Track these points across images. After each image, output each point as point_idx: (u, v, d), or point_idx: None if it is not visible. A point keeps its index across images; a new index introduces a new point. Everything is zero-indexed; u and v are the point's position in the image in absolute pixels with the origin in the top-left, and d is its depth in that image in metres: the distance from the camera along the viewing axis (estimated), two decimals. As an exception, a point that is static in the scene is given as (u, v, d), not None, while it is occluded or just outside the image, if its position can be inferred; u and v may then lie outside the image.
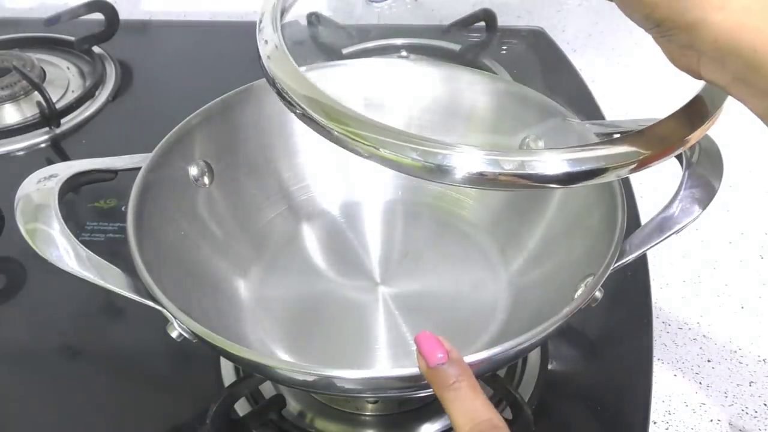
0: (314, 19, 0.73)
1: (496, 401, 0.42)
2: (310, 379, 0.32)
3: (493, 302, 0.46)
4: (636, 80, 0.74)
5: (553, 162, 0.25)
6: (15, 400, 0.45)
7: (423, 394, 0.35)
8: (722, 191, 0.40)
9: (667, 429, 0.43)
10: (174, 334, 0.35)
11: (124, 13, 0.77)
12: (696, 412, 0.44)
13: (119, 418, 0.43)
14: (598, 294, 0.37)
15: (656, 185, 0.55)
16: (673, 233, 0.39)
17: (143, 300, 0.35)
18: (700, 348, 0.48)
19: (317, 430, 0.42)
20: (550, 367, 0.45)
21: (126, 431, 0.43)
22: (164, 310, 0.34)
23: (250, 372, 0.41)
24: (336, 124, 0.26)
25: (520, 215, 0.48)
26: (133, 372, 0.46)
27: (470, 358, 0.30)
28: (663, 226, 0.39)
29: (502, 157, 0.25)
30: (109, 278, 0.36)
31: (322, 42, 0.73)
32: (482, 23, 0.77)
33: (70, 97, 0.71)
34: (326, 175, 0.52)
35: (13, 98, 0.68)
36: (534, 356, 0.46)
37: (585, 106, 0.67)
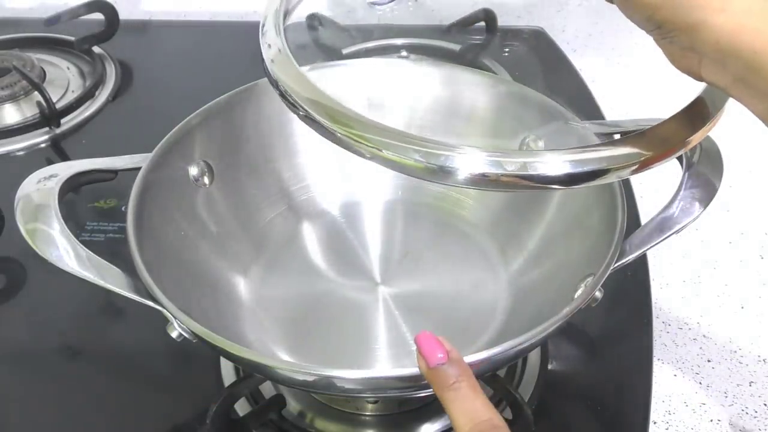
0: (314, 19, 0.73)
1: (496, 401, 0.42)
2: (310, 379, 0.32)
3: (493, 302, 0.46)
4: (636, 80, 0.74)
5: (554, 163, 0.25)
6: (15, 400, 0.45)
7: (423, 394, 0.35)
8: (722, 191, 0.40)
9: (667, 429, 0.43)
10: (174, 334, 0.35)
11: (124, 13, 0.77)
12: (696, 412, 0.44)
13: (119, 418, 0.43)
14: (598, 294, 0.37)
15: (656, 185, 0.55)
16: (673, 233, 0.39)
17: (143, 300, 0.35)
18: (700, 348, 0.48)
19: (317, 430, 0.42)
20: (550, 367, 0.45)
21: (126, 431, 0.43)
22: (164, 310, 0.34)
23: (250, 372, 0.41)
24: (339, 126, 0.27)
25: (520, 215, 0.48)
26: (133, 372, 0.46)
27: (470, 358, 0.30)
28: (663, 226, 0.39)
29: (504, 158, 0.25)
30: (109, 278, 0.36)
31: (322, 42, 0.73)
32: (482, 23, 0.77)
33: (70, 97, 0.71)
34: (326, 175, 0.52)
35: (13, 98, 0.68)
36: (534, 356, 0.46)
37: (585, 106, 0.67)
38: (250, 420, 0.41)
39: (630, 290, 0.49)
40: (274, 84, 0.29)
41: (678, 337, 0.49)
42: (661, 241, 0.39)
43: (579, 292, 0.38)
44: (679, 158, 0.41)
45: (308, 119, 0.28)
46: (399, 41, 0.74)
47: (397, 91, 0.50)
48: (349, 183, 0.53)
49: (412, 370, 0.30)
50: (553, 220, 0.46)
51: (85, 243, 0.37)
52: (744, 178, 0.61)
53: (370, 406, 0.43)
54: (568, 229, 0.45)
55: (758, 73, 0.23)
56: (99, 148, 0.64)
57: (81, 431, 0.43)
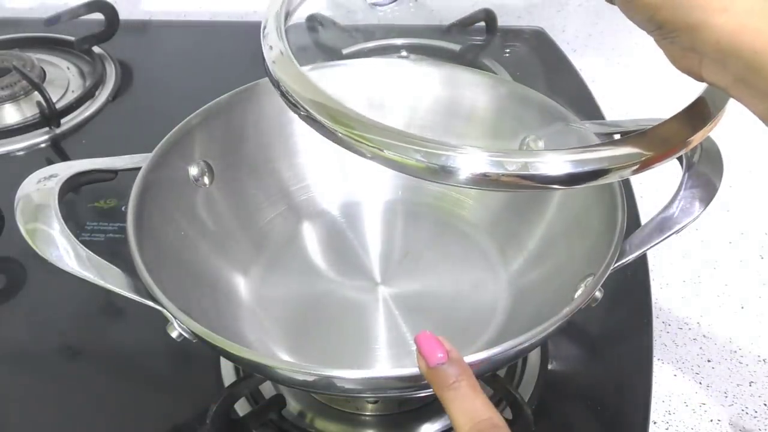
0: (314, 20, 0.73)
1: (496, 401, 0.42)
2: (310, 379, 0.32)
3: (493, 302, 0.46)
4: (636, 80, 0.74)
5: (555, 163, 0.26)
6: (15, 400, 0.45)
7: (423, 394, 0.35)
8: (722, 191, 0.40)
9: (667, 429, 0.43)
10: (174, 334, 0.35)
11: (124, 13, 0.77)
12: (696, 412, 0.44)
13: (119, 418, 0.43)
14: (598, 294, 0.37)
15: (656, 185, 0.55)
16: (673, 233, 0.39)
17: (143, 300, 0.35)
18: (700, 348, 0.48)
19: (317, 430, 0.42)
20: (550, 367, 0.45)
21: (126, 431, 0.43)
22: (164, 310, 0.34)
23: (250, 372, 0.41)
24: (340, 127, 0.27)
25: (520, 215, 0.48)
26: (133, 372, 0.46)
27: (470, 358, 0.30)
28: (663, 226, 0.39)
29: (506, 158, 0.25)
30: (109, 278, 0.36)
31: (322, 42, 0.73)
32: (482, 23, 0.77)
33: (70, 97, 0.71)
34: (326, 175, 0.52)
35: (13, 98, 0.68)
36: (534, 356, 0.46)
37: (585, 106, 0.67)
38: (250, 420, 0.41)
39: (630, 290, 0.49)
40: (276, 84, 0.29)
41: (678, 337, 0.49)
42: (661, 241, 0.39)
43: (579, 292, 0.38)
44: (679, 158, 0.41)
45: (310, 119, 0.28)
46: (399, 41, 0.74)
47: (397, 91, 0.50)
48: (349, 183, 0.53)
49: (412, 370, 0.30)
50: (553, 220, 0.46)
51: (85, 243, 0.37)
52: (744, 178, 0.61)
53: (370, 406, 0.43)
54: (568, 229, 0.45)
55: (759, 73, 0.23)
56: (99, 148, 0.64)
57: (81, 431, 0.43)
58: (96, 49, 0.76)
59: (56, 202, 0.38)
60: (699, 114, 0.28)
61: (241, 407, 0.43)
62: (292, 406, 0.43)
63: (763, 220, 0.57)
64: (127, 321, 0.49)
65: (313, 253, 0.50)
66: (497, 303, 0.46)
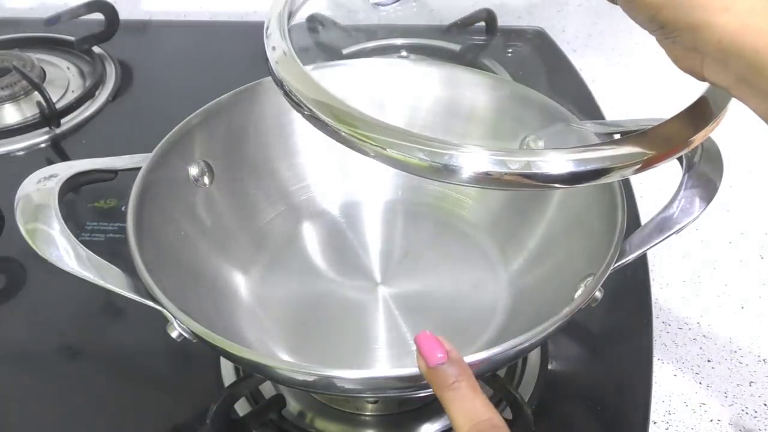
0: (315, 20, 0.73)
1: (496, 401, 0.42)
2: (310, 379, 0.32)
3: (493, 302, 0.46)
4: (636, 80, 0.74)
5: (558, 162, 0.26)
6: (15, 400, 0.45)
7: (423, 394, 0.35)
8: (722, 191, 0.40)
9: (667, 429, 0.43)
10: (174, 334, 0.35)
11: (124, 13, 0.77)
12: (696, 412, 0.44)
13: (119, 418, 0.43)
14: (598, 294, 0.37)
15: (656, 185, 0.55)
16: (673, 233, 0.39)
17: (143, 300, 0.35)
18: (700, 348, 0.48)
19: (317, 430, 0.42)
20: (550, 367, 0.45)
21: (126, 431, 0.43)
22: (164, 310, 0.34)
23: (250, 372, 0.41)
24: (344, 126, 0.27)
25: (520, 215, 0.48)
26: (133, 372, 0.46)
27: (470, 358, 0.30)
28: (663, 226, 0.39)
29: (508, 157, 0.26)
30: (109, 278, 0.36)
31: (322, 42, 0.73)
32: (482, 23, 0.77)
33: (70, 97, 0.71)
34: (326, 175, 0.52)
35: (13, 98, 0.68)
36: (534, 356, 0.46)
37: (585, 106, 0.67)
38: (250, 420, 0.41)
39: (630, 290, 0.49)
40: (279, 84, 0.29)
41: (678, 337, 0.49)
42: (661, 241, 0.39)
43: (579, 292, 0.38)
44: (680, 158, 0.41)
45: (313, 119, 0.28)
46: (399, 41, 0.74)
47: (397, 91, 0.50)
48: (349, 183, 0.53)
49: (412, 370, 0.30)
50: (553, 220, 0.46)
51: (85, 243, 0.37)
52: (744, 178, 0.61)
53: (370, 406, 0.43)
54: (568, 229, 0.45)
55: (760, 72, 0.23)
56: (99, 148, 0.64)
57: (81, 431, 0.43)
58: (96, 49, 0.76)
59: (56, 202, 0.38)
60: (701, 113, 0.28)
61: (241, 407, 0.43)
62: (292, 406, 0.43)
63: (763, 220, 0.57)
64: (127, 321, 0.49)
65: (313, 253, 0.50)
66: (497, 303, 0.46)
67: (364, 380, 0.32)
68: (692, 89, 0.29)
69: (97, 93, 0.72)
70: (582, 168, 0.26)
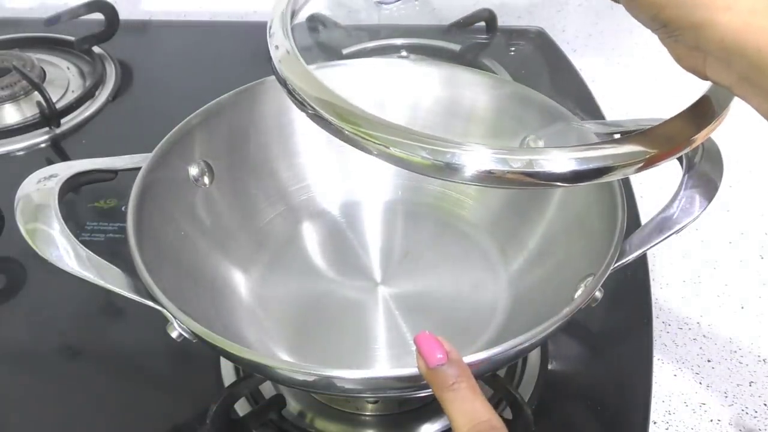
0: (315, 20, 0.73)
1: (496, 401, 0.42)
2: (310, 379, 0.32)
3: (493, 302, 0.46)
4: (636, 80, 0.74)
5: (560, 160, 0.26)
6: (15, 400, 0.45)
7: (423, 394, 0.35)
8: (722, 191, 0.40)
9: (667, 429, 0.43)
10: (174, 334, 0.35)
11: (124, 13, 0.77)
12: (696, 412, 0.44)
13: (119, 418, 0.43)
14: (598, 294, 0.37)
15: (657, 185, 0.55)
16: (673, 233, 0.39)
17: (143, 300, 0.35)
18: (700, 348, 0.48)
19: (317, 430, 0.42)
20: (550, 367, 0.45)
21: (126, 431, 0.43)
22: (164, 310, 0.34)
23: (250, 372, 0.41)
24: (347, 124, 0.27)
25: (520, 215, 0.48)
26: (133, 372, 0.46)
27: (470, 359, 0.30)
28: (663, 226, 0.39)
29: (511, 155, 0.26)
30: (109, 278, 0.36)
31: (322, 42, 0.73)
32: (482, 23, 0.77)
33: (70, 97, 0.71)
34: (326, 175, 0.52)
35: (13, 98, 0.68)
36: (534, 356, 0.46)
37: (585, 106, 0.67)
38: (250, 420, 0.41)
39: (630, 290, 0.49)
40: (283, 83, 0.30)
41: (678, 337, 0.49)
42: (661, 241, 0.39)
43: (579, 292, 0.38)
44: (680, 158, 0.41)
45: (317, 117, 0.28)
46: (399, 41, 0.74)
47: (397, 91, 0.50)
48: (349, 183, 0.53)
49: (411, 370, 0.30)
50: (553, 220, 0.46)
51: (85, 243, 0.37)
52: (744, 178, 0.61)
53: (370, 406, 0.43)
54: (568, 229, 0.45)
55: (763, 71, 0.23)
56: (99, 148, 0.64)
57: (81, 431, 0.43)
58: (96, 49, 0.76)
59: (56, 202, 0.38)
60: (703, 112, 0.28)
61: (241, 407, 0.43)
62: (292, 406, 0.43)
63: (763, 220, 0.57)
64: (127, 321, 0.49)
65: (313, 253, 0.50)
66: (497, 303, 0.46)
67: (364, 380, 0.32)
68: (692, 89, 0.29)
69: (97, 93, 0.72)
70: (584, 166, 0.26)
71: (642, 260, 0.51)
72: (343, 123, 0.27)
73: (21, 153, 0.65)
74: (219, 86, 0.48)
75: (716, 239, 0.56)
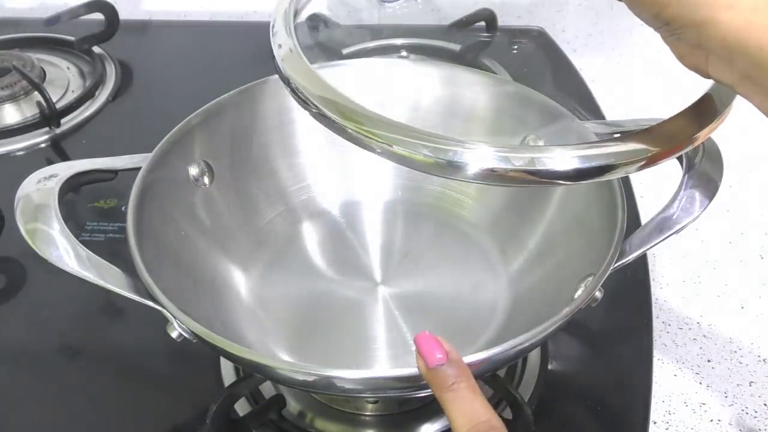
0: (315, 19, 0.73)
1: (496, 401, 0.42)
2: (310, 379, 0.32)
3: (493, 302, 0.46)
4: (636, 80, 0.74)
5: (562, 158, 0.26)
6: (15, 400, 0.45)
7: (423, 394, 0.35)
8: (722, 191, 0.40)
9: (667, 429, 0.43)
10: (174, 334, 0.35)
11: (124, 13, 0.77)
12: (696, 412, 0.44)
13: (119, 418, 0.43)
14: (598, 294, 0.37)
15: (657, 185, 0.55)
16: (673, 233, 0.39)
17: (143, 300, 0.35)
18: (700, 348, 0.48)
19: (317, 430, 0.42)
20: (550, 367, 0.45)
21: (126, 431, 0.43)
22: (164, 310, 0.34)
23: (250, 372, 0.41)
24: (350, 123, 0.27)
25: (520, 215, 0.48)
26: (133, 372, 0.46)
27: (470, 359, 0.30)
28: (663, 226, 0.39)
29: (513, 153, 0.26)
30: (109, 278, 0.36)
31: (322, 42, 0.73)
32: (482, 23, 0.77)
33: (70, 97, 0.71)
34: (326, 175, 0.52)
35: (13, 98, 0.68)
36: (534, 356, 0.46)
37: (585, 106, 0.67)
38: (250, 420, 0.41)
39: (630, 290, 0.49)
40: (286, 82, 0.30)
41: (678, 337, 0.49)
42: (661, 241, 0.39)
43: (579, 292, 0.38)
44: (680, 158, 0.41)
45: (320, 116, 0.28)
46: (399, 41, 0.74)
47: (397, 91, 0.50)
48: (349, 183, 0.53)
49: (411, 370, 0.30)
50: (553, 220, 0.46)
51: (85, 243, 0.37)
52: (744, 178, 0.61)
53: (370, 406, 0.43)
54: (568, 229, 0.45)
55: (765, 69, 0.23)
56: (99, 148, 0.64)
57: (81, 431, 0.43)
58: (96, 49, 0.76)
59: (56, 202, 0.38)
60: (705, 111, 0.28)
61: (241, 407, 0.43)
62: (292, 406, 0.43)
63: (763, 220, 0.57)
64: (127, 321, 0.49)
65: (313, 253, 0.50)
66: (497, 303, 0.46)
67: (364, 380, 0.32)
68: (692, 89, 0.29)
69: (97, 93, 0.72)
70: (586, 164, 0.26)
71: (642, 260, 0.51)
72: (347, 121, 0.27)
73: (21, 153, 0.65)
74: (219, 86, 0.48)
75: (716, 239, 0.56)
